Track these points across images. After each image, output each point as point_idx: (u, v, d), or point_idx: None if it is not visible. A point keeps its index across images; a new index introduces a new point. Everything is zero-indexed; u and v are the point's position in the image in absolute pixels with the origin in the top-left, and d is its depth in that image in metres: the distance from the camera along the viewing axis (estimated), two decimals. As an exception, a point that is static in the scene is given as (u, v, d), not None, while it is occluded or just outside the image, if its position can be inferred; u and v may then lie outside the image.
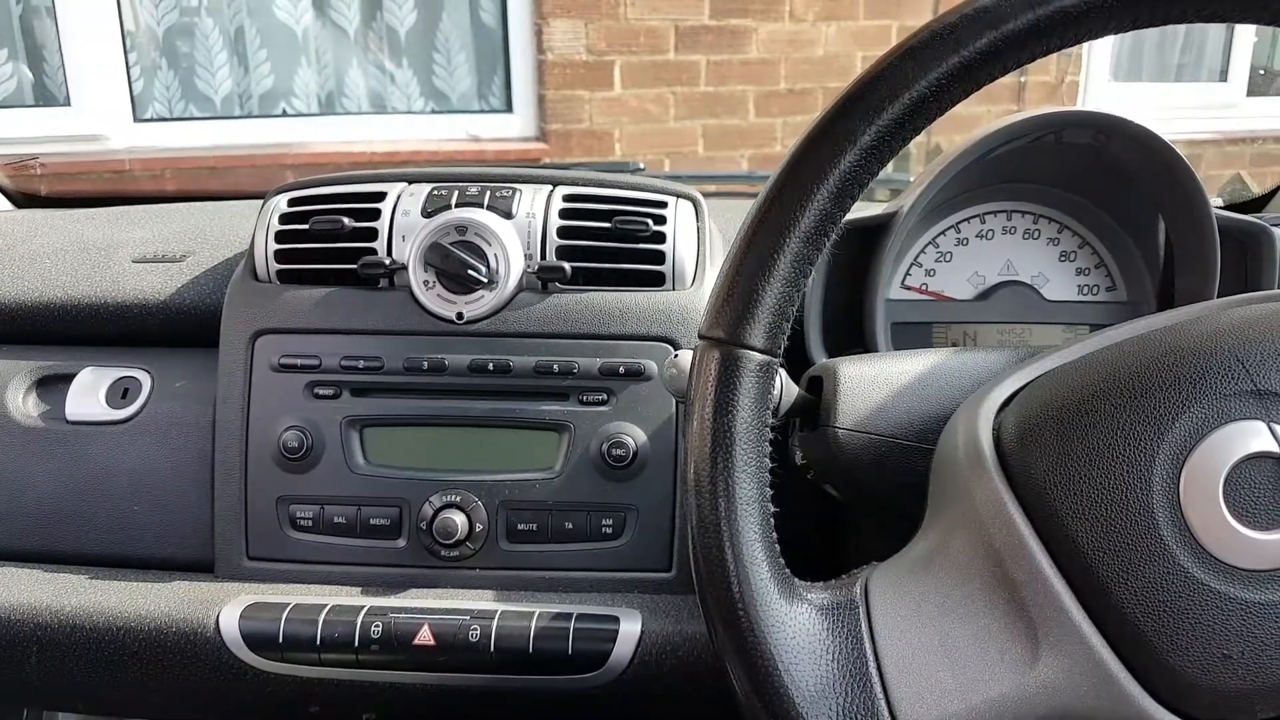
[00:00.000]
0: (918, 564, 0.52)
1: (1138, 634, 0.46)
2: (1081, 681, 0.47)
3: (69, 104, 2.77)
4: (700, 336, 0.51)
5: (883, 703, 0.49)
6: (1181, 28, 3.82)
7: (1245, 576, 0.45)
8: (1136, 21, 0.48)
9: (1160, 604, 0.45)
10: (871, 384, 0.65)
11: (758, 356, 0.50)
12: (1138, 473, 0.46)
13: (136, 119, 2.87)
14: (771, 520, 0.51)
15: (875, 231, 0.85)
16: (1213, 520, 0.45)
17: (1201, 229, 0.82)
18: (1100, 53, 3.65)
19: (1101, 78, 3.71)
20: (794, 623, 0.50)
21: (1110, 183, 0.86)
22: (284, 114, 3.00)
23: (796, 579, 0.52)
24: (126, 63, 2.82)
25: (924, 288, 0.91)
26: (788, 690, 0.49)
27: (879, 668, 0.50)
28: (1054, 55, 0.50)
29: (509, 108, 3.15)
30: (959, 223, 0.91)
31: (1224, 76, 3.99)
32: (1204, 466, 0.45)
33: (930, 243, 0.90)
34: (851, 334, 0.88)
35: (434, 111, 3.11)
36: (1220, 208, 0.86)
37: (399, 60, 3.07)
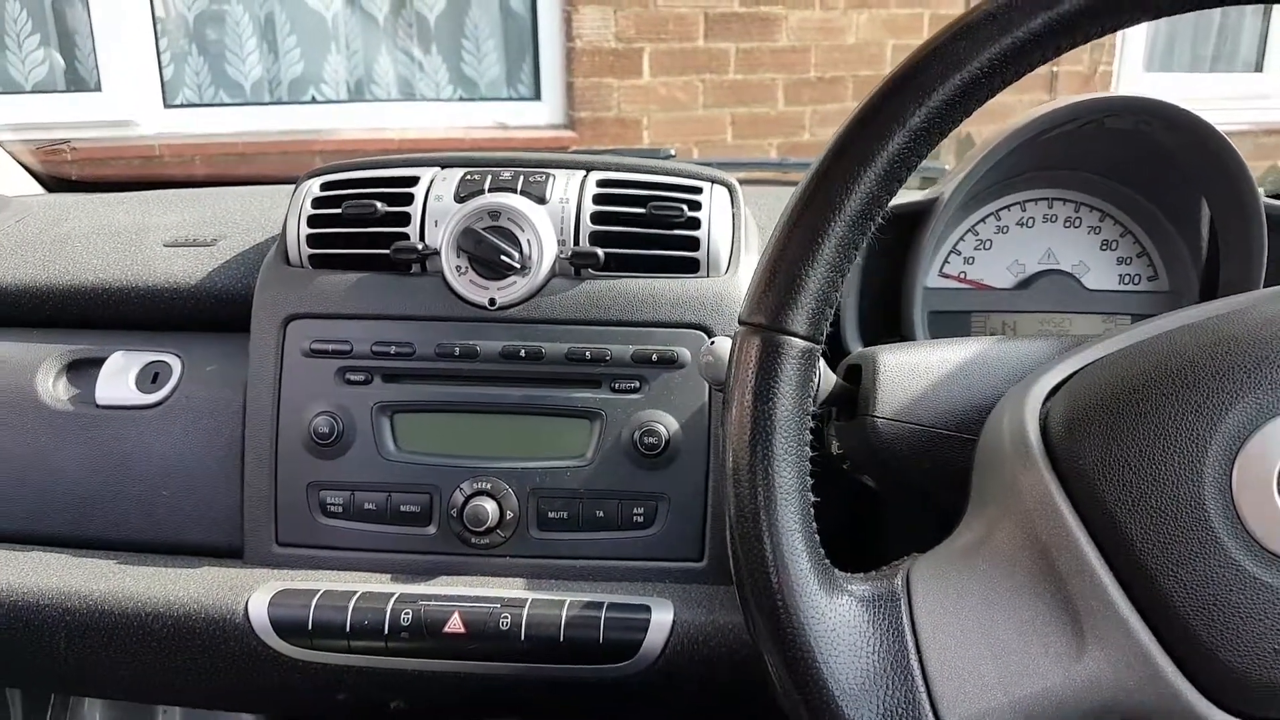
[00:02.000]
0: (961, 555, 0.51)
1: (1186, 627, 0.45)
2: (1128, 676, 0.46)
3: (100, 89, 2.79)
4: (741, 322, 0.50)
5: (924, 696, 0.48)
6: (1215, 18, 3.76)
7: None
8: (1189, 3, 0.46)
9: (1210, 597, 0.44)
10: (911, 373, 0.63)
11: (800, 343, 0.49)
12: (1189, 464, 0.45)
13: (167, 105, 2.88)
14: (811, 511, 0.50)
15: (914, 218, 0.84)
16: (1267, 512, 0.44)
17: (1248, 216, 0.80)
18: (1134, 43, 3.60)
19: (1135, 68, 3.66)
20: (834, 614, 0.49)
21: (1154, 170, 0.84)
22: (313, 100, 3.01)
23: (836, 570, 0.51)
24: (157, 49, 2.83)
25: (963, 276, 0.89)
26: (827, 683, 0.48)
27: (921, 661, 0.49)
28: (1087, 45, 0.48)
29: (537, 95, 3.14)
30: (999, 210, 0.89)
31: (1259, 67, 3.93)
32: (1258, 458, 0.44)
33: (970, 230, 0.89)
34: (888, 322, 0.86)
35: (462, 99, 3.11)
36: (1264, 196, 0.84)
37: (428, 47, 3.07)
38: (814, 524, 0.50)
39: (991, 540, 0.51)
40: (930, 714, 0.48)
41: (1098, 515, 0.47)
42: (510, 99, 3.15)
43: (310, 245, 0.85)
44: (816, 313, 0.49)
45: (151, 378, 0.88)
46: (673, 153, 1.24)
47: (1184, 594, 0.45)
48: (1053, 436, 0.49)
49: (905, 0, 3.26)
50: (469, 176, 0.85)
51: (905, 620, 0.50)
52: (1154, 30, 3.68)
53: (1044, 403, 0.51)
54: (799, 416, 0.49)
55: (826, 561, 0.51)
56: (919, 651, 0.49)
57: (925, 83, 0.47)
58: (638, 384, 0.80)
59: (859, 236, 0.49)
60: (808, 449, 0.50)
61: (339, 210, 0.85)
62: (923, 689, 0.49)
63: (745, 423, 0.49)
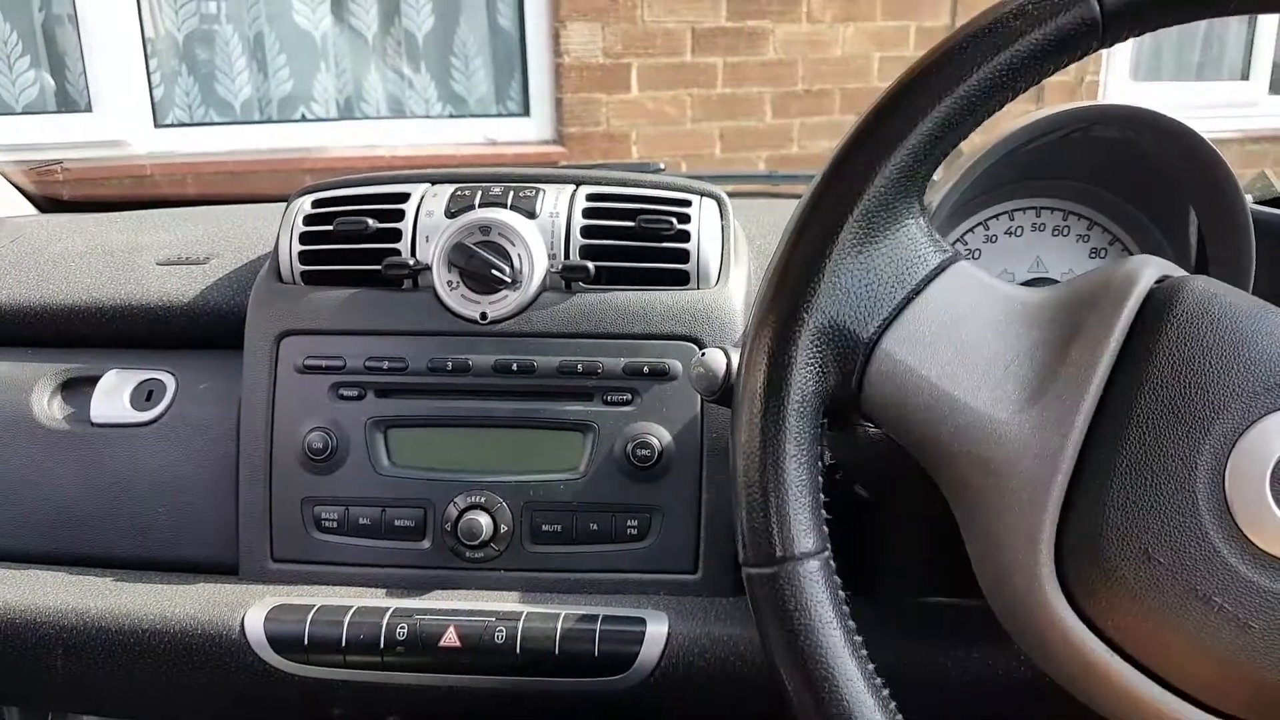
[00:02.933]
0: (1009, 289, 0.54)
1: (1107, 478, 0.47)
2: (1026, 462, 0.48)
3: (90, 110, 2.79)
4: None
5: (880, 320, 0.52)
6: (1201, 26, 3.79)
7: (1235, 533, 0.45)
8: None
9: (1149, 477, 0.47)
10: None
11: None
12: (1225, 396, 0.47)
13: (157, 124, 2.88)
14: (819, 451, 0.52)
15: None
16: (1248, 479, 0.46)
17: (1236, 224, 0.80)
18: (1121, 52, 3.62)
19: (1122, 77, 3.69)
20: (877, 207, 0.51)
21: (1141, 178, 0.85)
22: (303, 119, 3.01)
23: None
24: (147, 69, 2.83)
25: (952, 285, 0.90)
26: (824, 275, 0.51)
27: (906, 301, 0.52)
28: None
29: (526, 111, 3.15)
30: (987, 220, 0.89)
31: (1245, 75, 3.96)
32: (1256, 447, 0.46)
33: (958, 240, 0.89)
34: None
35: (452, 115, 3.12)
36: (1251, 204, 0.84)
37: (417, 64, 3.08)
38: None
39: (1044, 302, 0.53)
40: (875, 331, 0.51)
41: (1137, 362, 0.49)
42: (499, 115, 3.16)
43: (302, 262, 0.85)
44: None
45: (146, 396, 0.88)
46: (662, 166, 1.25)
47: (1134, 457, 0.47)
48: (1154, 297, 0.51)
49: (891, 13, 3.28)
50: (459, 192, 0.85)
51: (927, 269, 0.53)
52: (1140, 40, 3.70)
53: (1159, 280, 0.53)
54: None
55: (919, 177, 0.52)
56: (912, 295, 0.52)
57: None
58: (629, 396, 0.81)
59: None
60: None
61: (330, 227, 0.85)
62: (886, 314, 0.52)
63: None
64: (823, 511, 0.52)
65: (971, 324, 0.52)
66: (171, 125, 2.91)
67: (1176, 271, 0.53)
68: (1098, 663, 0.47)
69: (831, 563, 0.51)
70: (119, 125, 2.80)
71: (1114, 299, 0.50)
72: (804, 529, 0.51)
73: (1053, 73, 0.50)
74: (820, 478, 0.52)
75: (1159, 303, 0.50)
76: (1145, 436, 0.47)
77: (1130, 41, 0.51)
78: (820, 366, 0.51)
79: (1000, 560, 0.49)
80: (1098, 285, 0.52)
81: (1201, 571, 0.45)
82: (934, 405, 0.51)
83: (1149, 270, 0.52)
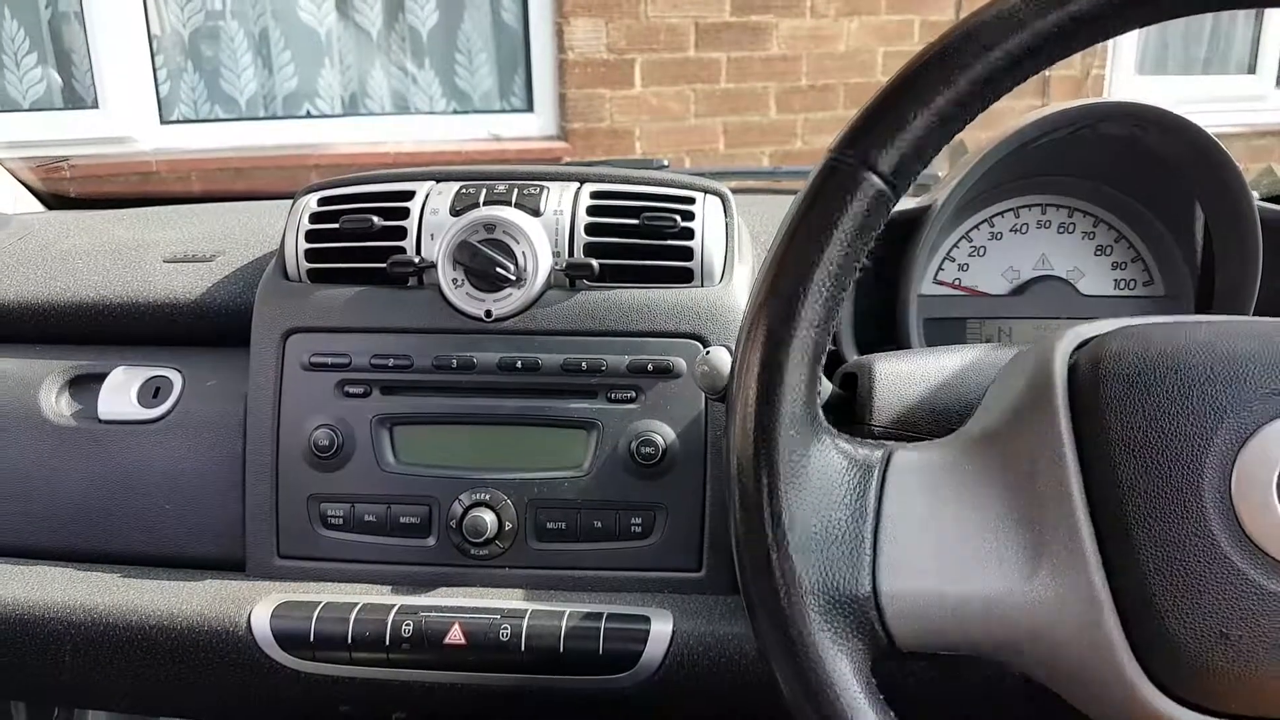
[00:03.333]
0: (948, 451, 0.52)
1: (1143, 584, 0.46)
2: (1069, 613, 0.47)
3: (97, 107, 2.79)
4: (828, 150, 0.50)
5: (867, 561, 0.50)
6: (1208, 21, 3.78)
7: (1277, 566, 0.44)
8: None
9: (1178, 565, 0.45)
10: (908, 380, 0.64)
11: (878, 182, 0.49)
12: (1198, 442, 0.46)
13: (163, 121, 2.89)
14: (821, 361, 0.51)
15: (908, 226, 0.85)
16: (1261, 506, 0.45)
17: (1243, 220, 0.80)
18: (1126, 46, 3.61)
19: (1127, 71, 3.67)
20: (811, 455, 0.51)
21: (1148, 175, 0.85)
22: (308, 115, 3.02)
23: (824, 420, 0.53)
24: (153, 65, 2.84)
25: (957, 283, 0.90)
26: (783, 518, 0.49)
27: (876, 530, 0.50)
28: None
29: (530, 107, 3.15)
30: (993, 216, 0.89)
31: (1252, 69, 3.95)
32: (1264, 451, 0.45)
33: (964, 237, 0.89)
34: (883, 330, 0.87)
35: (456, 111, 3.12)
36: (1258, 200, 0.84)
37: (421, 61, 3.07)
38: (820, 372, 0.51)
39: (983, 447, 0.52)
40: (868, 579, 0.50)
41: (1098, 457, 0.47)
42: (503, 111, 3.16)
43: (308, 260, 0.86)
44: (907, 160, 0.49)
45: (153, 393, 0.88)
46: (666, 163, 1.25)
47: (1153, 553, 0.45)
48: (1078, 374, 0.50)
49: (896, 7, 3.27)
50: (464, 190, 0.85)
51: (874, 489, 0.51)
52: (1146, 34, 3.69)
53: (1076, 349, 0.52)
54: (851, 257, 0.50)
55: (818, 404, 0.52)
56: (876, 521, 0.50)
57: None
58: (634, 394, 0.81)
59: (974, 105, 0.48)
60: (846, 289, 0.51)
61: (336, 225, 0.85)
62: (868, 556, 0.50)
63: (802, 243, 0.49)
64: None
65: (941, 514, 0.50)
66: (177, 122, 2.92)
67: (1090, 330, 0.52)
68: None
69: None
70: (125, 122, 2.81)
71: (1044, 409, 0.49)
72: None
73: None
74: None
75: (1086, 384, 0.49)
76: (1151, 524, 0.46)
77: (1135, 36, 0.50)
78: (843, 638, 0.50)
79: (1104, 700, 0.48)
80: (1024, 397, 0.51)
81: (1277, 623, 0.44)
82: (960, 612, 0.49)
83: (1058, 357, 0.50)
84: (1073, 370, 0.50)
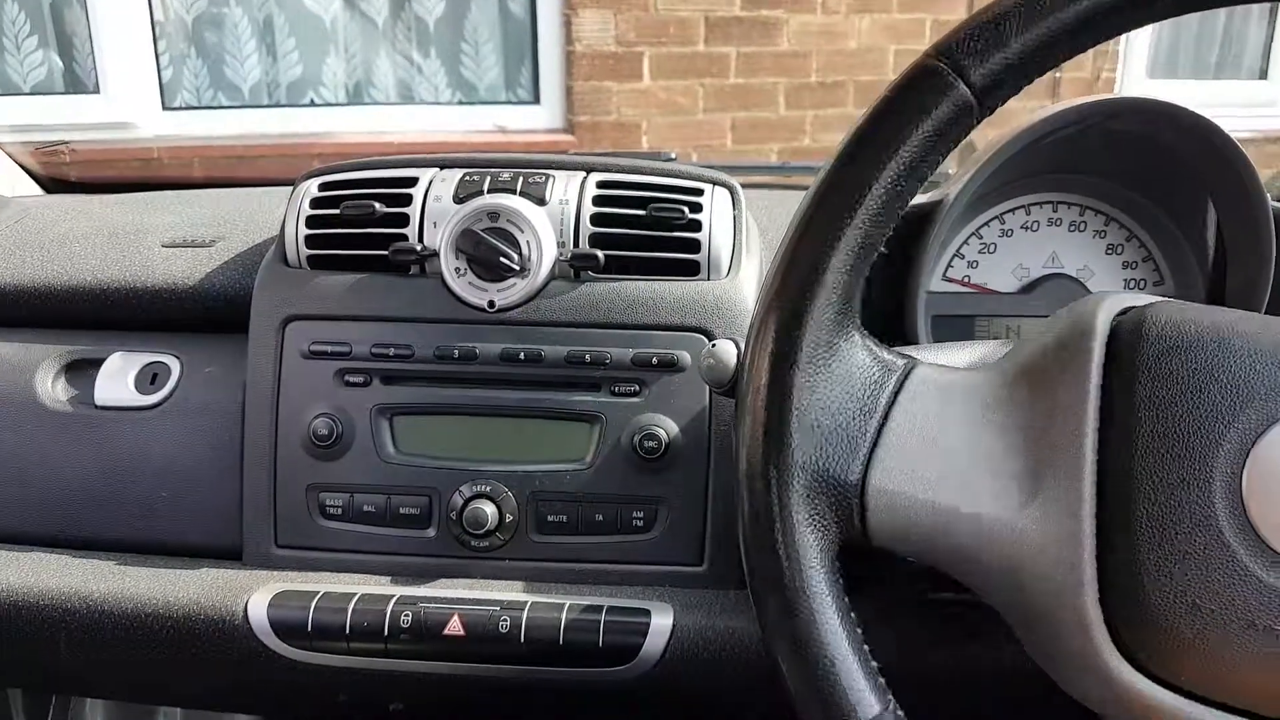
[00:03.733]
0: (974, 376, 0.53)
1: (1131, 541, 0.46)
2: (1050, 548, 0.47)
3: (98, 91, 2.78)
4: (924, 54, 0.50)
5: (862, 457, 0.51)
6: (1220, 25, 3.76)
7: (1269, 554, 0.45)
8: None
9: (1171, 528, 0.45)
10: None
11: (965, 92, 0.48)
12: (1221, 419, 0.46)
13: (165, 107, 2.88)
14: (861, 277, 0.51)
15: (918, 222, 0.84)
16: (1269, 493, 0.45)
17: (1256, 219, 0.79)
18: (1137, 49, 3.60)
19: (1138, 74, 3.66)
20: (834, 346, 0.51)
21: (1160, 173, 0.84)
22: (312, 103, 3.01)
23: (855, 319, 0.53)
24: (155, 51, 2.83)
25: (966, 280, 0.89)
26: (791, 396, 0.50)
27: (879, 431, 0.51)
28: (1090, 51, 0.49)
29: (536, 99, 3.14)
30: (1003, 214, 0.89)
31: (1264, 74, 3.93)
32: (1266, 468, 0.45)
33: (973, 234, 0.88)
34: (891, 327, 0.86)
35: (461, 102, 3.11)
36: (1275, 200, 0.83)
37: (427, 50, 3.06)
38: (865, 270, 0.51)
39: (1008, 378, 0.52)
40: (859, 469, 0.50)
41: (1121, 413, 0.47)
42: (509, 103, 3.15)
43: (309, 246, 0.85)
44: (1001, 76, 0.48)
45: (150, 379, 0.87)
46: (673, 156, 1.24)
47: (1150, 513, 0.46)
48: (1120, 333, 0.50)
49: (907, 5, 3.26)
50: (468, 177, 0.84)
51: (889, 391, 0.52)
52: (1157, 37, 3.68)
53: (1119, 314, 0.51)
54: (924, 163, 0.50)
55: (855, 303, 0.52)
56: (883, 420, 0.51)
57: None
58: (637, 387, 0.80)
59: (1078, 39, 0.48)
60: (910, 195, 0.51)
61: (337, 211, 0.84)
62: (865, 449, 0.51)
63: (880, 135, 0.49)
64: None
65: (949, 431, 0.51)
66: (179, 108, 2.90)
67: (1135, 300, 0.52)
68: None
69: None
70: (127, 107, 2.80)
71: (1079, 355, 0.49)
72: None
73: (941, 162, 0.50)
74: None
75: (1125, 345, 0.49)
76: (1154, 488, 0.46)
77: (1147, 39, 0.49)
78: (819, 517, 0.50)
79: (1059, 648, 0.49)
80: (1060, 341, 0.51)
81: (1251, 604, 0.44)
82: (941, 524, 0.50)
83: (1103, 313, 0.50)
84: (1113, 330, 0.50)
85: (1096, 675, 0.47)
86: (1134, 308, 0.51)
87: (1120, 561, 0.46)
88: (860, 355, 0.52)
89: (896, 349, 0.54)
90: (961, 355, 0.63)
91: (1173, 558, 0.45)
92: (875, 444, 0.51)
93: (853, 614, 0.50)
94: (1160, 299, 0.52)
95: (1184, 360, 0.47)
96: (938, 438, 0.50)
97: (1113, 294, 0.52)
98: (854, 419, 0.51)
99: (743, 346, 0.53)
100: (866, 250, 0.50)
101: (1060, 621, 0.47)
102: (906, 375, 0.52)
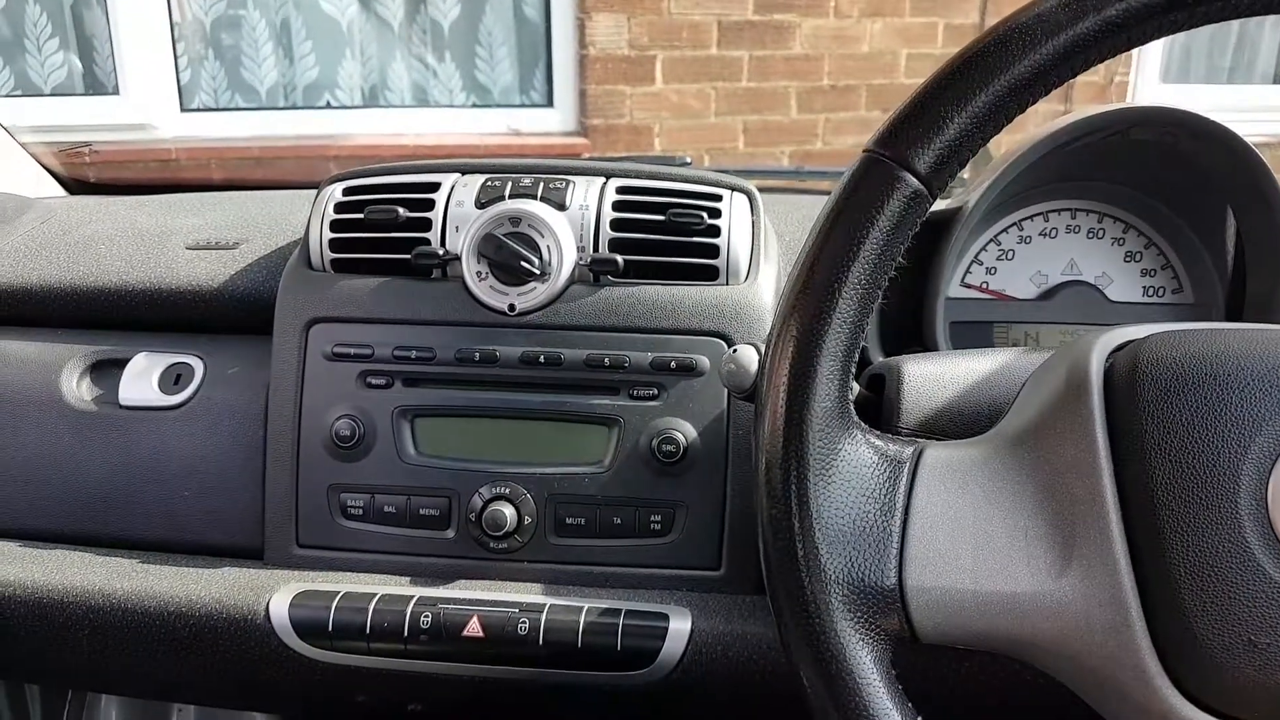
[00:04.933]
0: (979, 451, 0.52)
1: (1172, 589, 0.45)
2: (1096, 614, 0.47)
3: (118, 93, 2.80)
4: (864, 150, 0.50)
5: (894, 555, 0.50)
6: (1234, 29, 3.75)
7: None
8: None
9: (1209, 569, 0.45)
10: (936, 383, 0.63)
11: (915, 184, 0.49)
12: (1236, 449, 0.46)
13: (183, 109, 2.89)
14: (850, 376, 0.51)
15: (937, 228, 0.84)
16: None
17: (1276, 226, 0.80)
18: (1151, 54, 3.59)
19: (1152, 79, 3.65)
20: (841, 448, 0.51)
21: (1180, 181, 0.84)
22: (328, 106, 3.02)
23: (856, 415, 0.52)
24: (174, 53, 2.84)
25: (985, 286, 0.89)
26: (811, 508, 0.49)
27: (904, 526, 0.50)
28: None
29: (550, 102, 3.14)
30: (1022, 220, 0.89)
31: (1278, 79, 3.92)
32: None
33: (992, 240, 0.89)
34: (909, 332, 0.86)
35: (475, 105, 3.12)
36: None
37: (442, 54, 3.07)
38: (852, 370, 0.51)
39: (1016, 446, 0.51)
40: (894, 572, 0.50)
41: (1133, 461, 0.47)
42: (523, 106, 3.15)
43: (332, 249, 0.85)
44: (944, 159, 0.48)
45: (174, 379, 0.88)
46: (689, 160, 1.25)
47: (1185, 557, 0.45)
48: (1114, 377, 0.49)
49: (920, 10, 3.26)
50: (490, 183, 0.85)
51: (904, 484, 0.51)
52: (1171, 41, 3.67)
53: (1112, 352, 0.51)
54: (886, 256, 0.50)
55: (850, 399, 0.52)
56: (905, 516, 0.50)
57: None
58: (656, 391, 0.81)
59: (1013, 107, 0.48)
60: (881, 287, 0.51)
61: (361, 215, 0.85)
62: (895, 550, 0.50)
63: (844, 240, 0.49)
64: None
65: (971, 512, 0.50)
66: (197, 110, 2.92)
67: (1127, 334, 0.52)
68: None
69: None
70: (146, 109, 2.81)
71: (1079, 408, 0.49)
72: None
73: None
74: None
75: (1123, 389, 0.49)
76: (1184, 533, 0.46)
77: (1161, 44, 0.49)
78: (867, 629, 0.50)
79: (1127, 706, 0.48)
80: (1057, 394, 0.51)
81: None
82: (986, 609, 0.49)
83: (1095, 358, 0.50)
84: (1109, 373, 0.50)
85: None
86: (1124, 345, 0.51)
87: (1168, 612, 0.46)
88: (866, 454, 0.51)
89: (898, 439, 0.54)
90: (980, 362, 0.64)
91: (1219, 599, 0.45)
92: (903, 543, 0.50)
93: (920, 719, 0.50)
94: (1153, 328, 0.52)
95: (1185, 399, 0.47)
96: (962, 522, 0.50)
97: (1103, 333, 0.52)
98: (876, 521, 0.50)
99: (753, 451, 0.53)
100: (849, 351, 0.50)
101: (1122, 682, 0.47)
102: (917, 463, 0.52)
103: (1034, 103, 0.48)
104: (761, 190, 0.90)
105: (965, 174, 1.05)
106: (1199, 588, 0.45)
